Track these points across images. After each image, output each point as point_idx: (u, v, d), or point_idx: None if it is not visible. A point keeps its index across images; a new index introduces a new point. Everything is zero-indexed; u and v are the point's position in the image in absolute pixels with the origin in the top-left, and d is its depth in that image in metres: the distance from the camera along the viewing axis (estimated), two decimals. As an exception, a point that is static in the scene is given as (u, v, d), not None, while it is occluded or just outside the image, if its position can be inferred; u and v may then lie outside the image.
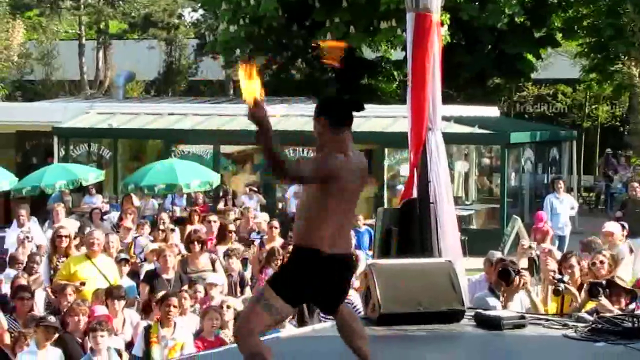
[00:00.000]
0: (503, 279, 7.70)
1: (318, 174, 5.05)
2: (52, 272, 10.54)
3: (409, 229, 7.96)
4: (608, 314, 6.90)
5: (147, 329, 8.43)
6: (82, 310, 8.31)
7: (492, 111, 24.34)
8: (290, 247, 10.94)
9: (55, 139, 22.12)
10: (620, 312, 7.04)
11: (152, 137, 22.13)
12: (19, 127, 23.28)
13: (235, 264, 11.59)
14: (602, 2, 26.37)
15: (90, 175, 18.72)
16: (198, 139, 21.34)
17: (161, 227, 13.32)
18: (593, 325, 6.69)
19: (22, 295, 9.18)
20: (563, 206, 17.56)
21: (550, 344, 6.69)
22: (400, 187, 17.10)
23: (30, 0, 35.56)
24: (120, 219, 14.95)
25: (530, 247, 10.42)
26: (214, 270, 10.84)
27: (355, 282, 9.90)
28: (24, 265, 11.12)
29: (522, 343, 6.76)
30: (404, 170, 19.71)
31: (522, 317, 7.08)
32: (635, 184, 16.96)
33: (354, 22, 24.43)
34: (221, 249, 12.16)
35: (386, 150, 20.49)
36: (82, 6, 35.18)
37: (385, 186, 20.49)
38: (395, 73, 28.26)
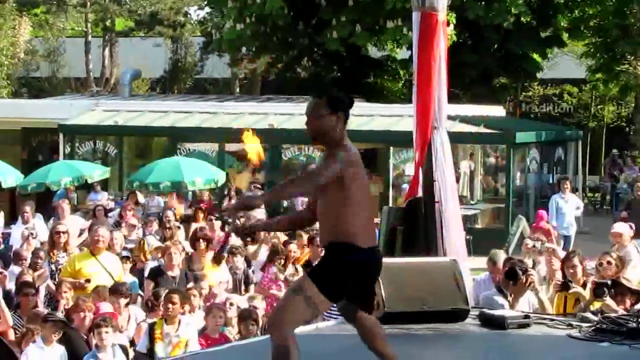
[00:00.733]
0: (510, 278, 7.69)
1: (347, 168, 5.12)
2: (52, 267, 10.58)
3: (414, 228, 7.96)
4: (613, 314, 6.89)
5: (152, 326, 8.44)
6: (88, 307, 8.31)
7: (497, 111, 24.32)
8: (292, 245, 11.03)
9: (61, 136, 22.14)
10: (625, 313, 7.04)
11: (158, 135, 22.15)
12: (25, 123, 23.29)
13: (240, 262, 11.61)
14: (608, 2, 26.33)
15: (96, 172, 18.74)
16: (203, 136, 21.35)
17: (167, 225, 13.34)
18: (598, 325, 6.68)
19: (27, 292, 9.20)
20: (568, 206, 17.54)
21: (554, 343, 6.68)
22: (405, 186, 17.10)
23: (37, -2, 35.59)
24: (120, 216, 14.94)
25: (534, 246, 10.41)
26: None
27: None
28: (29, 261, 11.14)
29: (526, 342, 6.75)
30: (409, 169, 19.70)
31: (527, 317, 7.07)
32: (641, 184, 16.94)
33: (360, 20, 24.42)
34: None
35: (391, 149, 20.49)
36: (89, 3, 35.22)
37: (391, 185, 20.49)
38: (401, 72, 28.27)
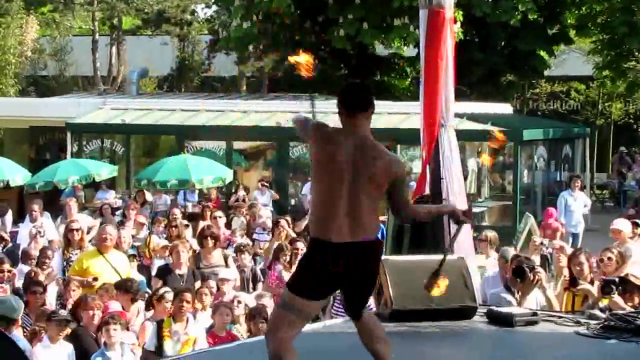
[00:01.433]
0: (518, 275, 7.69)
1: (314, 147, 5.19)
2: (65, 264, 10.62)
3: (421, 225, 7.95)
4: (621, 312, 6.89)
5: (160, 324, 8.45)
6: (97, 305, 8.32)
7: (504, 108, 24.28)
8: (298, 243, 11.04)
9: (69, 135, 22.18)
10: (633, 310, 7.03)
11: (165, 133, 22.16)
12: (33, 122, 23.34)
13: (247, 260, 11.62)
14: (615, -1, 26.30)
15: (103, 170, 18.77)
16: (211, 135, 21.36)
17: (173, 223, 13.37)
18: (605, 323, 6.67)
19: (35, 290, 9.21)
20: (577, 204, 17.52)
21: (562, 340, 6.68)
22: (413, 184, 17.07)
23: (44, -4, 35.64)
24: (124, 215, 14.96)
25: (542, 243, 10.41)
26: (226, 265, 10.87)
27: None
28: (36, 260, 11.16)
29: (534, 340, 6.75)
30: (416, 166, 19.68)
31: (534, 314, 7.07)
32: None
33: (367, 18, 24.42)
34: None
35: (399, 146, 20.47)
36: (96, 2, 35.25)
37: (398, 183, 20.44)
38: (408, 70, 28.26)
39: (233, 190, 19.95)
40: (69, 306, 8.94)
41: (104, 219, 15.07)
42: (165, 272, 10.31)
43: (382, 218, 15.61)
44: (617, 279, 7.35)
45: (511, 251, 9.25)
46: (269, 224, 14.48)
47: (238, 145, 21.95)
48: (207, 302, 9.19)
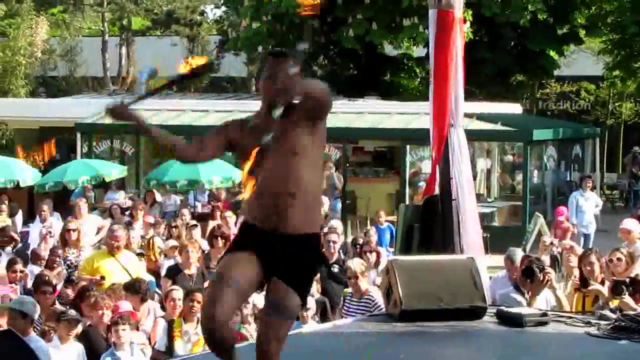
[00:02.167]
0: (527, 276, 7.68)
1: None
2: (65, 265, 10.67)
3: (431, 225, 7.96)
4: (631, 312, 6.87)
5: (170, 324, 8.46)
6: (106, 305, 8.33)
7: (514, 108, 24.24)
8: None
9: (78, 135, 22.22)
10: (643, 310, 7.01)
11: (175, 134, 22.06)
12: (43, 123, 23.39)
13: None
14: (626, -2, 26.23)
15: (113, 171, 18.79)
16: (220, 135, 21.31)
17: (179, 222, 13.34)
18: (616, 323, 6.65)
19: (44, 290, 9.22)
20: (588, 204, 17.46)
21: (572, 341, 6.67)
22: (422, 184, 17.07)
23: (54, -3, 35.75)
24: (131, 215, 14.97)
25: (552, 243, 10.39)
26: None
27: (377, 279, 9.90)
28: (46, 260, 11.19)
29: (544, 340, 6.74)
30: (426, 166, 19.67)
31: (544, 315, 7.06)
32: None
33: (376, 18, 24.41)
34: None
35: (408, 146, 20.46)
36: (105, 3, 35.36)
37: (407, 183, 20.47)
38: (417, 70, 28.24)
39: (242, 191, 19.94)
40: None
41: (113, 220, 15.09)
42: (174, 272, 10.32)
43: (391, 218, 15.61)
44: (627, 280, 7.34)
45: (517, 252, 9.22)
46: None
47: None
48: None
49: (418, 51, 26.63)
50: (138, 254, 11.02)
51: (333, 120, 22.43)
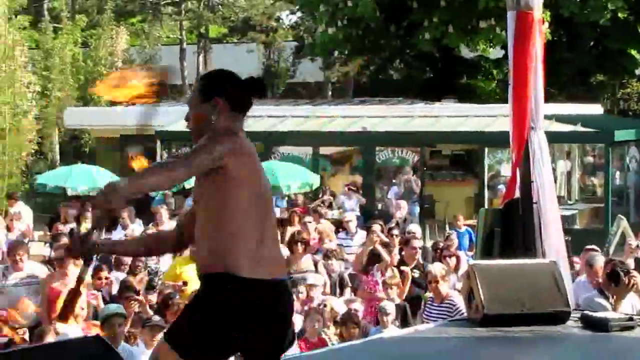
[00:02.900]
0: (612, 279, 7.55)
1: (231, 157, 4.16)
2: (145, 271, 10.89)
3: (512, 229, 7.87)
4: None
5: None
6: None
7: (595, 109, 23.87)
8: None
9: (158, 143, 22.54)
10: None
11: (253, 139, 21.69)
12: (123, 131, 23.78)
13: (336, 265, 11.64)
14: None
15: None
16: (297, 140, 21.47)
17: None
18: None
19: (128, 295, 9.37)
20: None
21: (659, 346, 6.54)
22: (501, 187, 16.91)
23: (134, 7, 36.35)
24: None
25: (637, 246, 10.20)
26: (316, 271, 10.91)
27: (457, 284, 9.84)
28: (129, 266, 11.36)
29: (630, 346, 6.61)
30: (504, 169, 19.48)
31: (631, 319, 6.92)
32: None
33: (452, 21, 24.28)
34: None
35: (486, 149, 20.31)
36: (183, 11, 35.84)
37: (486, 186, 20.30)
38: (494, 72, 28.00)
39: (320, 196, 20.02)
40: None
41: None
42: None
43: (470, 222, 15.44)
44: None
45: (598, 258, 9.05)
46: (353, 228, 14.35)
47: (324, 150, 22.01)
48: (297, 307, 9.23)
49: (494, 53, 26.41)
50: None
51: (410, 124, 22.52)
